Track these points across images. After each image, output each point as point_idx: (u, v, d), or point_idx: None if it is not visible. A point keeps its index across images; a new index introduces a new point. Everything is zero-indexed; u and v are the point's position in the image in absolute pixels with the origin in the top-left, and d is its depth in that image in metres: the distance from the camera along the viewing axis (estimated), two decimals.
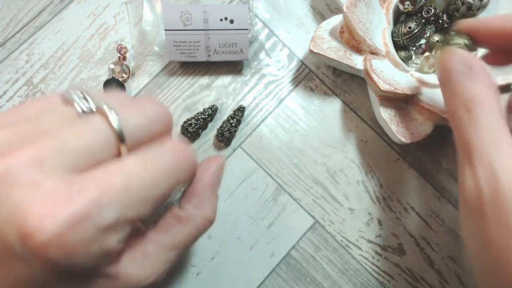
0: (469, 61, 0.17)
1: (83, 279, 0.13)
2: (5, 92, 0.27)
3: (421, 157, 0.27)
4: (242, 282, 0.25)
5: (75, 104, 0.14)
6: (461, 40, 0.19)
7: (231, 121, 0.26)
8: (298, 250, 0.26)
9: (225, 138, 0.26)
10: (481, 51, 0.24)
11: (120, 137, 0.14)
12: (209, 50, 0.26)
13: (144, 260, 0.16)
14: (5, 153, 0.12)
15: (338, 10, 0.29)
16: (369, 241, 0.26)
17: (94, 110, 0.14)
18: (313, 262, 0.26)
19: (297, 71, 0.28)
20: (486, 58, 0.20)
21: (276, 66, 0.28)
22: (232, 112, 0.27)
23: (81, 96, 0.15)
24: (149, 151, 0.15)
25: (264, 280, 0.25)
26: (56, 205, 0.11)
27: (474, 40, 0.19)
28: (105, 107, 0.14)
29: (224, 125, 0.26)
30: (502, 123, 0.16)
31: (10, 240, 0.11)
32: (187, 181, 0.16)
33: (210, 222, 0.18)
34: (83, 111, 0.14)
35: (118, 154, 0.14)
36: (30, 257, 0.11)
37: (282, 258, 0.26)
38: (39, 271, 0.12)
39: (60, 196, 0.12)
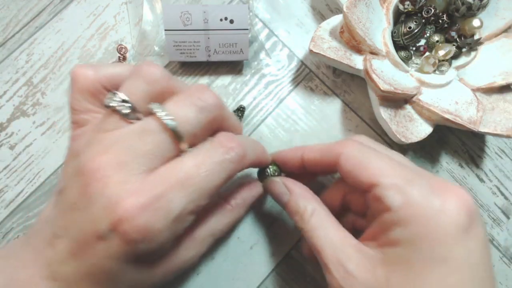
0: (286, 184, 0.21)
1: (147, 263, 0.16)
2: (5, 92, 0.27)
3: (421, 157, 0.27)
4: (242, 282, 0.25)
5: (120, 112, 0.16)
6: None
7: None
8: (298, 250, 0.26)
9: None
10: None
11: (177, 135, 0.16)
12: (209, 50, 0.26)
13: (191, 242, 0.19)
14: (97, 154, 0.15)
15: (338, 10, 0.29)
16: None
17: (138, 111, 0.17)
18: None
19: (297, 71, 0.28)
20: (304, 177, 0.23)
21: (276, 66, 0.28)
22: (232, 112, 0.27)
23: (121, 100, 0.16)
24: (203, 149, 0.17)
25: (264, 280, 0.25)
26: (138, 200, 0.14)
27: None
28: (156, 110, 0.16)
29: None
30: (328, 218, 0.19)
31: (101, 226, 0.14)
32: (238, 171, 0.18)
33: (239, 221, 0.23)
34: (128, 114, 0.16)
35: (180, 150, 0.17)
36: (115, 240, 0.14)
37: (282, 258, 0.26)
38: (118, 253, 0.15)
39: (139, 192, 0.15)
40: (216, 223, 0.20)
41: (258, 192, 0.22)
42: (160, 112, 0.16)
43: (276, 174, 0.23)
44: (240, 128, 0.21)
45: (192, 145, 0.17)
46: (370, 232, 0.18)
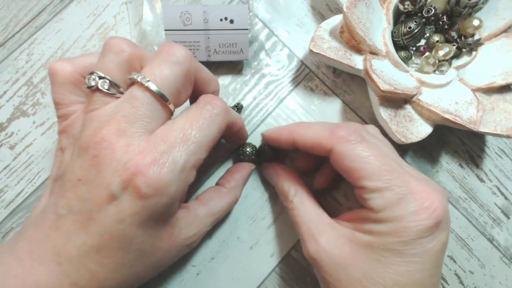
0: (274, 169, 0.25)
1: (155, 227, 0.17)
2: (5, 92, 0.27)
3: (421, 157, 0.27)
4: (242, 282, 0.25)
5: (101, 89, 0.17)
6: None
7: None
8: (298, 250, 0.26)
9: None
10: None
11: (161, 95, 0.17)
12: (209, 50, 0.26)
13: (193, 219, 0.20)
14: (97, 129, 0.16)
15: (338, 10, 0.29)
16: None
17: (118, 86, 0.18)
18: None
19: (297, 71, 0.28)
20: (297, 164, 0.26)
21: (276, 66, 0.28)
22: None
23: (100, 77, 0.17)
24: (192, 109, 0.18)
25: (264, 280, 0.25)
26: (145, 157, 0.16)
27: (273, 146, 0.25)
28: (135, 77, 0.17)
29: None
30: (308, 199, 0.22)
31: (113, 188, 0.16)
32: (226, 124, 0.19)
33: (236, 201, 0.24)
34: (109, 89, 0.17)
35: (170, 111, 0.18)
36: (127, 198, 0.16)
37: (282, 258, 0.26)
38: (130, 212, 0.16)
39: (145, 151, 0.16)
40: (215, 204, 0.22)
41: (248, 171, 0.25)
42: (139, 78, 0.17)
43: (254, 153, 0.25)
44: (215, 79, 0.22)
45: (179, 103, 0.19)
46: (348, 215, 0.21)
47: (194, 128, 0.17)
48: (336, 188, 0.27)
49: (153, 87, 0.17)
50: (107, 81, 0.17)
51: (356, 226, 0.20)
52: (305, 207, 0.22)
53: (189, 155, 0.17)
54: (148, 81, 0.17)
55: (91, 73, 0.17)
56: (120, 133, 0.16)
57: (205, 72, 0.20)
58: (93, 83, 0.17)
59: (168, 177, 0.16)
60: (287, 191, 0.23)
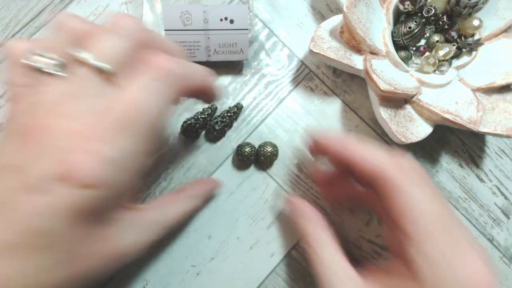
0: (296, 205, 0.23)
1: (89, 226, 0.15)
2: (5, 92, 0.27)
3: (421, 157, 0.27)
4: (242, 282, 0.25)
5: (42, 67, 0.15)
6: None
7: (224, 114, 0.26)
8: (298, 250, 0.26)
9: (214, 129, 0.26)
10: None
11: (104, 70, 0.15)
12: (209, 50, 0.26)
13: (138, 224, 0.18)
14: (35, 112, 0.14)
15: (338, 10, 0.29)
16: (369, 241, 0.26)
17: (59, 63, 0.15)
18: None
19: (297, 71, 0.28)
20: (315, 175, 0.25)
21: (276, 66, 0.28)
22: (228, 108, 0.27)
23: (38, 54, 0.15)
24: (133, 79, 0.16)
25: (264, 280, 0.25)
26: (82, 145, 0.14)
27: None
28: (74, 53, 0.15)
29: (215, 119, 0.26)
30: (337, 256, 0.20)
31: (44, 177, 0.14)
32: (177, 92, 0.17)
33: (193, 212, 0.23)
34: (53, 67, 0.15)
35: (115, 82, 0.16)
36: (60, 190, 0.14)
37: (282, 258, 0.26)
38: (65, 204, 0.14)
39: (82, 137, 0.14)
40: (167, 211, 0.20)
41: (212, 187, 0.24)
42: (79, 53, 0.15)
43: (253, 153, 0.25)
44: (179, 50, 0.19)
45: (128, 73, 0.16)
46: (377, 270, 0.19)
47: (133, 106, 0.15)
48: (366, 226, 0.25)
49: (94, 62, 0.15)
50: (51, 60, 0.15)
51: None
52: (328, 256, 0.19)
53: (131, 140, 0.15)
54: (89, 56, 0.15)
55: (34, 53, 0.15)
56: (60, 116, 0.14)
57: (167, 44, 0.18)
58: (36, 64, 0.15)
59: (107, 167, 0.14)
60: (307, 233, 0.21)
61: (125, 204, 0.18)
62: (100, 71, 0.15)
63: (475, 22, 0.26)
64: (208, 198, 0.25)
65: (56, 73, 0.15)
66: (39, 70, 0.15)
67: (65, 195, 0.14)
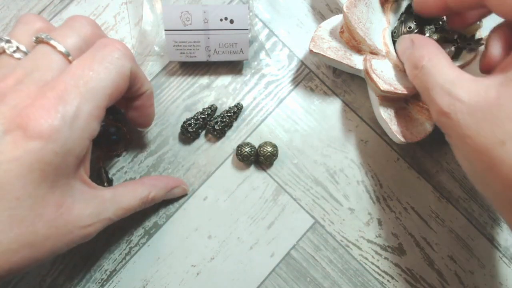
0: (411, 38, 0.22)
1: (39, 185, 0.15)
2: None
3: (421, 157, 0.27)
4: (242, 282, 0.25)
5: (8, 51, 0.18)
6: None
7: (224, 114, 0.26)
8: (298, 250, 0.26)
9: (214, 129, 0.26)
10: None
11: (67, 55, 0.17)
12: (209, 50, 0.26)
13: (93, 198, 0.18)
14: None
15: (338, 10, 0.29)
16: (369, 241, 0.26)
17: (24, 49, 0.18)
18: (313, 262, 0.26)
19: (297, 71, 0.28)
20: (449, 22, 0.24)
21: (276, 66, 0.28)
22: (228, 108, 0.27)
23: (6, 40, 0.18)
24: (88, 53, 0.18)
25: (264, 280, 0.25)
26: (34, 102, 0.15)
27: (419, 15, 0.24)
28: (38, 36, 0.17)
29: (215, 119, 0.26)
30: (448, 61, 0.19)
31: (4, 128, 0.15)
32: (127, 68, 0.18)
33: (149, 203, 0.22)
34: (16, 51, 0.18)
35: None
36: (9, 141, 0.15)
37: (282, 258, 0.26)
38: (10, 155, 0.14)
39: (35, 97, 0.16)
40: (125, 193, 0.20)
41: (172, 184, 0.24)
42: (40, 35, 0.17)
43: (253, 153, 0.25)
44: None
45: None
46: (502, 65, 0.18)
47: (86, 72, 0.17)
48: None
49: (50, 39, 0.17)
50: (14, 46, 0.18)
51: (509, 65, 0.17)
52: (440, 68, 0.19)
53: (82, 102, 0.16)
54: (47, 37, 0.17)
55: (1, 39, 0.18)
56: (15, 83, 0.16)
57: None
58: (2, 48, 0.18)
59: (57, 122, 0.15)
60: (418, 57, 0.20)
61: (83, 177, 0.18)
62: (53, 46, 0.17)
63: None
64: (172, 194, 0.25)
65: (17, 56, 0.18)
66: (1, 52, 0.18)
67: (12, 147, 0.14)
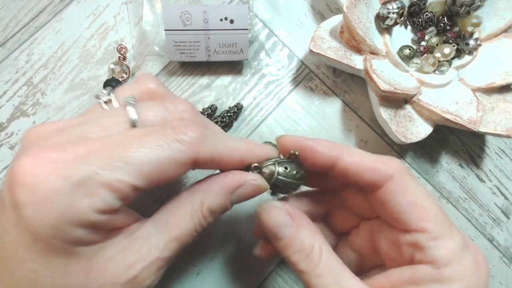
0: (290, 213, 0.17)
1: (50, 257, 0.13)
2: (5, 92, 0.27)
3: (421, 157, 0.27)
4: (242, 282, 0.25)
5: (101, 101, 0.17)
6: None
7: (224, 114, 0.26)
8: None
9: None
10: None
11: (133, 125, 0.15)
12: (209, 50, 0.26)
13: (131, 241, 0.14)
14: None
15: (338, 10, 0.29)
16: None
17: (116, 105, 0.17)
18: None
19: (297, 71, 0.28)
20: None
21: (276, 66, 0.28)
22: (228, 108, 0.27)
23: (106, 93, 0.17)
24: (152, 127, 0.15)
25: (264, 280, 0.25)
26: (40, 157, 0.13)
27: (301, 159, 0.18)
28: (128, 107, 0.15)
29: (215, 119, 0.26)
30: (338, 260, 0.16)
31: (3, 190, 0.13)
32: (190, 157, 0.15)
33: (207, 222, 0.17)
34: (106, 102, 0.17)
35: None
36: (9, 206, 0.12)
37: (282, 258, 0.26)
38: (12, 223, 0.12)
39: (54, 150, 0.13)
40: (167, 217, 0.16)
41: (238, 183, 0.18)
42: (129, 99, 0.16)
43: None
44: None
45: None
46: (392, 279, 0.16)
47: (128, 144, 0.13)
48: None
49: (128, 105, 0.15)
50: (105, 97, 0.17)
51: None
52: (337, 275, 0.15)
53: (103, 169, 0.13)
54: (130, 102, 0.16)
55: (106, 89, 0.18)
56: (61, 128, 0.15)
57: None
58: (103, 97, 0.17)
59: (57, 184, 0.12)
60: (309, 248, 0.16)
61: (115, 230, 0.15)
62: (127, 119, 0.15)
63: (474, 20, 0.26)
64: (239, 196, 0.18)
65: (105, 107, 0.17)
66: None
67: (11, 214, 0.12)
